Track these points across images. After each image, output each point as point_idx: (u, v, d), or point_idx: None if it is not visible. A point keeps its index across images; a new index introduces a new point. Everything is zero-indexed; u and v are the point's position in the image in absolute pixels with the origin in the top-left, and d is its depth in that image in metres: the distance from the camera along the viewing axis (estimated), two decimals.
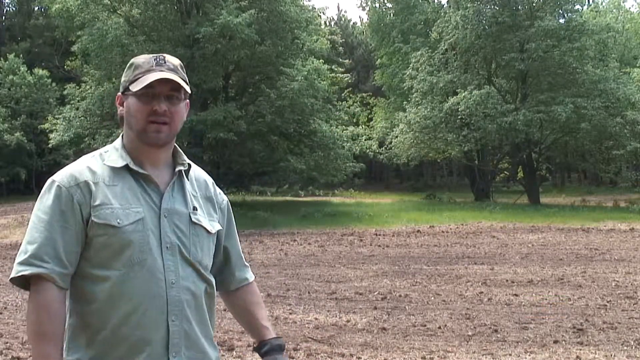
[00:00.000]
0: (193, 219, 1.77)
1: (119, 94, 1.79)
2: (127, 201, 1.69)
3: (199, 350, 1.75)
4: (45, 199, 1.68)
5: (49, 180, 1.72)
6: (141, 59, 1.79)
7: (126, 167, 1.73)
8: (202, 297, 1.77)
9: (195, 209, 1.79)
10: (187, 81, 1.80)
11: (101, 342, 1.65)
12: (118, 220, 1.66)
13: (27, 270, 1.62)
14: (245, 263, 2.02)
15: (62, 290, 1.65)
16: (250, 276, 2.01)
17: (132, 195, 1.70)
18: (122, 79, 1.78)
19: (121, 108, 1.78)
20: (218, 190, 1.94)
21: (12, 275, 1.65)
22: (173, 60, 1.78)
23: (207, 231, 1.80)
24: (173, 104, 1.74)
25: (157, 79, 1.70)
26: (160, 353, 1.67)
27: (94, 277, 1.67)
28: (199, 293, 1.75)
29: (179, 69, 1.78)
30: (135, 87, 1.72)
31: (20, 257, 1.65)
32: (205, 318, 1.78)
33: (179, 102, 1.76)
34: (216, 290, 1.90)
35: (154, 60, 1.76)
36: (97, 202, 1.67)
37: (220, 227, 1.87)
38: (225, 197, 1.96)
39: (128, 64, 1.80)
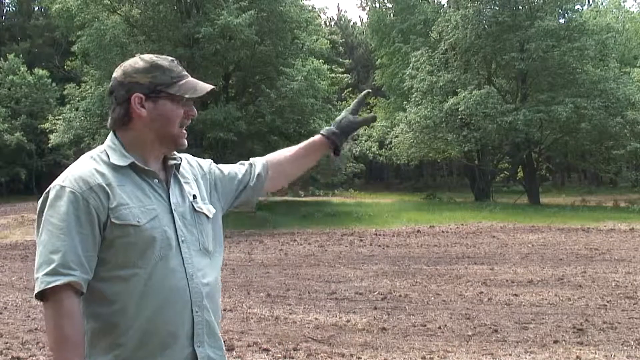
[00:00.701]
0: (196, 208, 1.81)
1: (140, 94, 1.73)
2: (140, 199, 1.70)
3: (217, 339, 1.80)
4: (59, 205, 1.64)
5: (56, 186, 1.67)
6: (165, 61, 1.78)
7: (130, 166, 1.73)
8: (215, 286, 1.81)
9: (194, 197, 1.82)
10: None
11: (129, 341, 1.65)
12: (138, 220, 1.67)
13: (59, 280, 1.58)
14: (249, 162, 2.06)
15: (81, 296, 1.64)
16: (260, 162, 2.06)
17: (142, 194, 1.72)
18: (145, 79, 1.74)
19: (142, 109, 1.74)
20: (200, 161, 1.97)
21: (43, 287, 1.58)
22: None
23: (207, 216, 1.84)
24: None
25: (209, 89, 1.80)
26: (185, 344, 1.71)
27: (114, 279, 1.66)
28: (213, 282, 1.80)
29: None
30: (187, 93, 1.76)
31: (45, 268, 1.60)
32: (217, 307, 1.83)
33: None
34: (268, 185, 2.04)
35: (179, 65, 1.81)
36: (115, 204, 1.66)
37: (215, 210, 1.88)
38: (209, 161, 2.00)
39: (148, 65, 1.76)
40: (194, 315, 1.71)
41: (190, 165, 1.92)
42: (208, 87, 1.80)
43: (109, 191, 1.67)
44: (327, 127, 2.07)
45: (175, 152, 1.84)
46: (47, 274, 1.58)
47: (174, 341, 1.68)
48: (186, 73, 1.81)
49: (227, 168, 2.02)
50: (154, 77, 1.74)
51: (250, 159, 2.08)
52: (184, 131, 1.80)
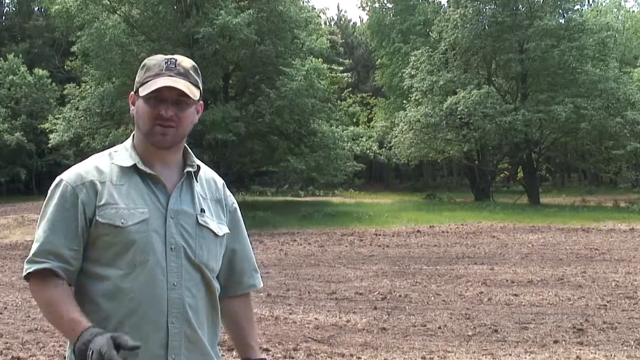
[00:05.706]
0: (200, 221, 1.76)
1: (132, 93, 1.79)
2: (133, 201, 1.69)
3: (202, 354, 1.74)
4: (53, 197, 1.72)
5: (57, 178, 1.75)
6: (153, 60, 1.77)
7: (134, 167, 1.73)
8: (206, 300, 1.76)
9: (202, 210, 1.78)
10: (198, 84, 1.77)
11: None
12: (122, 221, 1.66)
13: (32, 268, 1.66)
14: (256, 268, 1.98)
15: (64, 280, 1.66)
16: (259, 283, 1.97)
17: (137, 196, 1.70)
18: (137, 79, 1.78)
19: (133, 107, 1.79)
20: (228, 192, 1.93)
21: (24, 273, 1.69)
22: (185, 63, 1.76)
23: (214, 234, 1.79)
24: (181, 109, 1.73)
25: (165, 86, 1.69)
26: (158, 354, 1.67)
27: (96, 276, 1.68)
28: (203, 296, 1.75)
29: (190, 72, 1.76)
30: (143, 92, 1.72)
31: (29, 255, 1.70)
32: (209, 323, 1.77)
33: (187, 107, 1.75)
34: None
35: (165, 63, 1.74)
36: (102, 202, 1.68)
37: (228, 231, 1.85)
38: (234, 200, 1.95)
39: (141, 64, 1.79)
40: (169, 325, 1.67)
41: (217, 185, 1.89)
42: (159, 83, 1.69)
43: (99, 188, 1.69)
44: None
45: (193, 160, 1.81)
46: (26, 262, 1.69)
47: (144, 347, 1.63)
48: (168, 71, 1.72)
49: (239, 234, 1.92)
50: (139, 76, 1.77)
51: (250, 283, 1.94)
52: (164, 128, 1.71)
